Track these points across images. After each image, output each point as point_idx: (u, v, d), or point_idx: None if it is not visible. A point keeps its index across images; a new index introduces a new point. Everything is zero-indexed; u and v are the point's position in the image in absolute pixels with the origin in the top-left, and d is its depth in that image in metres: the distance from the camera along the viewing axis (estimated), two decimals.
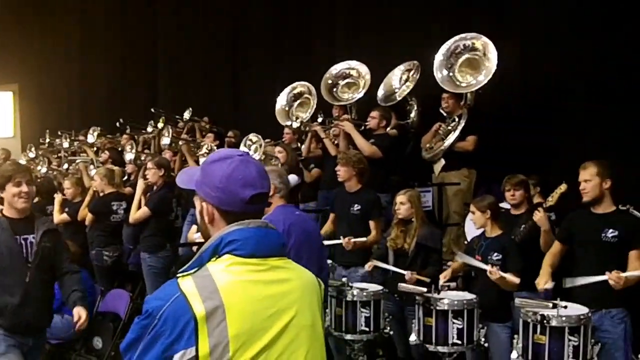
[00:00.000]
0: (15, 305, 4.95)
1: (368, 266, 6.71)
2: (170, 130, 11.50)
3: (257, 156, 8.97)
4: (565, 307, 5.17)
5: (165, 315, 2.20)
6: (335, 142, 8.90)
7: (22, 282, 5.01)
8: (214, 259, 2.33)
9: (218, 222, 2.41)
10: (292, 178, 8.00)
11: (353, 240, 6.91)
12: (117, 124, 13.96)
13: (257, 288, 2.32)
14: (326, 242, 7.36)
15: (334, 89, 9.71)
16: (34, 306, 5.04)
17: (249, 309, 2.28)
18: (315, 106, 9.74)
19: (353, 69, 9.68)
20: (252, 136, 9.75)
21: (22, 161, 13.60)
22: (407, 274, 6.34)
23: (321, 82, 9.69)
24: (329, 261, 7.20)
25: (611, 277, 5.08)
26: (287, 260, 2.47)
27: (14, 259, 5.00)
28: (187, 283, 2.25)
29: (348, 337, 6.32)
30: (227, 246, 2.32)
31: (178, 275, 2.31)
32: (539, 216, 6.06)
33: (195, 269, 2.31)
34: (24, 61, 18.49)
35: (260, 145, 9.50)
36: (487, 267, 5.82)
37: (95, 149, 12.56)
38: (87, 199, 9.02)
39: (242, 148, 9.20)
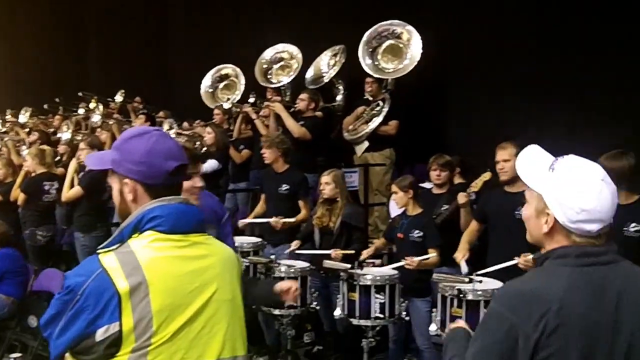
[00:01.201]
0: None
1: (294, 244, 6.77)
2: (102, 108, 11.37)
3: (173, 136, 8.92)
4: (481, 281, 5.26)
5: (88, 290, 2.19)
6: (266, 122, 8.91)
7: None
8: (136, 235, 2.32)
9: (142, 198, 2.38)
10: (210, 163, 7.98)
11: (282, 220, 6.96)
12: (45, 106, 13.71)
13: (179, 264, 2.33)
14: (256, 220, 7.42)
15: (269, 73, 9.72)
16: None
17: (172, 284, 2.28)
18: (242, 88, 9.75)
19: (283, 51, 9.70)
20: (165, 125, 9.70)
21: None
22: (332, 252, 6.41)
23: (255, 67, 9.69)
24: (258, 239, 7.25)
25: (520, 262, 5.09)
26: (208, 236, 2.48)
27: None
28: (109, 259, 2.24)
29: (276, 312, 6.35)
30: (149, 222, 2.31)
31: (99, 251, 2.30)
32: (463, 200, 6.13)
33: (117, 245, 2.30)
34: None
35: (172, 128, 9.45)
36: (404, 262, 5.89)
37: (27, 129, 12.32)
38: (19, 179, 8.89)
39: None
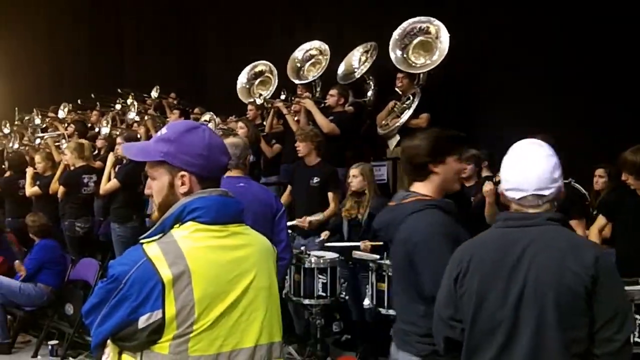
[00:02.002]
0: None
1: (324, 234, 6.79)
2: (137, 105, 11.42)
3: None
4: None
5: (132, 279, 2.21)
6: (296, 118, 8.92)
7: None
8: (177, 225, 2.33)
9: (195, 190, 2.40)
10: None
11: (309, 219, 6.94)
12: (79, 101, 13.82)
13: (219, 253, 2.35)
14: None
15: (301, 71, 9.73)
16: None
17: (213, 273, 2.30)
18: (276, 84, 9.76)
19: (312, 49, 9.72)
20: (206, 116, 9.74)
21: None
22: (361, 244, 6.41)
23: (287, 66, 9.71)
24: (289, 231, 7.25)
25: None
26: (246, 226, 2.50)
27: None
28: (152, 249, 2.26)
29: (306, 302, 6.38)
30: (190, 214, 2.32)
31: (142, 241, 2.32)
32: (487, 188, 6.10)
33: (159, 236, 2.32)
34: None
35: (215, 122, 9.47)
36: None
37: (65, 124, 12.42)
38: (58, 172, 8.97)
39: None
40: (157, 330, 2.22)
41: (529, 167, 2.73)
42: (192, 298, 2.23)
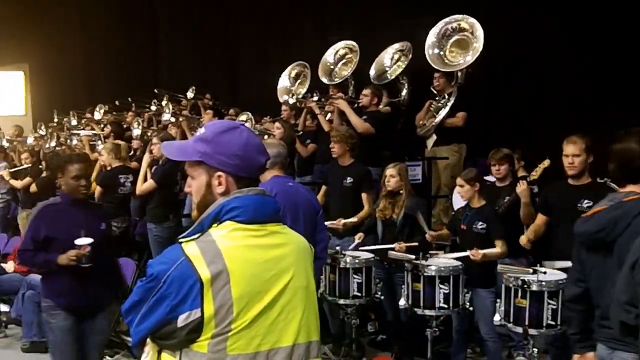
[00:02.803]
0: None
1: (357, 237, 6.79)
2: (171, 107, 11.48)
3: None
4: (545, 272, 5.22)
5: (171, 278, 2.23)
6: (329, 118, 8.91)
7: None
8: (215, 225, 2.34)
9: (232, 190, 2.40)
10: None
11: (343, 221, 6.94)
12: (116, 102, 13.93)
13: (257, 252, 2.35)
14: None
15: (333, 72, 9.72)
16: None
17: (251, 272, 2.30)
18: (309, 81, 9.75)
19: (340, 48, 9.70)
20: (243, 116, 9.77)
21: (31, 139, 13.60)
22: (395, 245, 6.40)
23: (319, 68, 9.69)
24: None
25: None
26: (283, 225, 2.49)
27: None
28: (191, 248, 2.27)
29: (341, 301, 6.39)
30: (228, 213, 2.33)
31: (180, 240, 2.32)
32: (521, 188, 6.08)
33: (198, 235, 2.32)
34: (34, 42, 18.33)
35: (252, 123, 9.50)
36: (468, 253, 5.89)
37: (101, 125, 12.52)
38: (95, 172, 9.04)
39: None
40: (195, 329, 2.23)
41: None
42: (230, 297, 2.24)
